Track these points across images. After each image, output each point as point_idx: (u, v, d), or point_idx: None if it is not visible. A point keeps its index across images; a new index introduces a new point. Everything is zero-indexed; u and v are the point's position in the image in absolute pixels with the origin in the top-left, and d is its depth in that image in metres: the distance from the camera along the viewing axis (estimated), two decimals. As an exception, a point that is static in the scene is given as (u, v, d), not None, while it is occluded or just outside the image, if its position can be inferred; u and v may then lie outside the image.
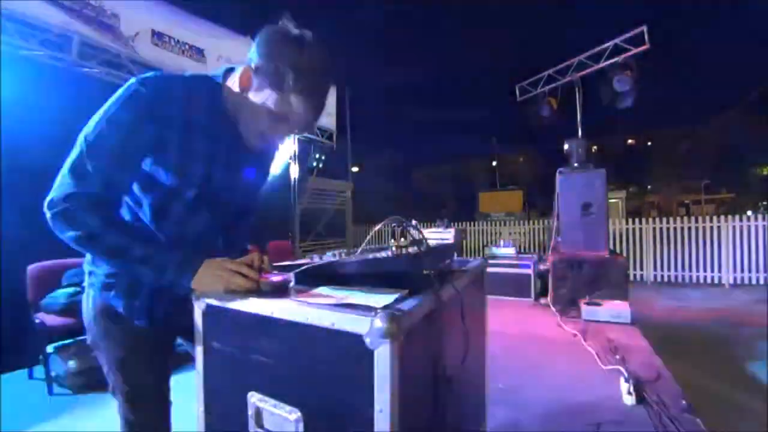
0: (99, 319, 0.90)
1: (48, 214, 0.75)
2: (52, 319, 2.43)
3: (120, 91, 0.78)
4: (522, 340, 3.05)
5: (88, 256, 0.90)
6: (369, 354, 0.56)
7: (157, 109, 0.78)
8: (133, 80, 0.79)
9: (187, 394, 0.89)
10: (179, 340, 1.02)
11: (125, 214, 0.86)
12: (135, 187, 0.83)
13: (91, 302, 0.91)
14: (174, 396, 0.99)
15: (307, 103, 0.80)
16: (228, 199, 0.95)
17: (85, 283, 0.92)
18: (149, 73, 0.81)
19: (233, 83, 0.85)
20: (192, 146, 0.83)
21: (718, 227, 6.09)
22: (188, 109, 0.82)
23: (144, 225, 0.85)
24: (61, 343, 2.53)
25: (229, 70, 0.89)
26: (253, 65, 0.79)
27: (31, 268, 2.56)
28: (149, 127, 0.78)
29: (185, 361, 1.01)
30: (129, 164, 0.79)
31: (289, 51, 0.77)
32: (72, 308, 2.40)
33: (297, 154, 6.53)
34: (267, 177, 1.08)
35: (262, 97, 0.80)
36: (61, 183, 0.75)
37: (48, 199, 0.75)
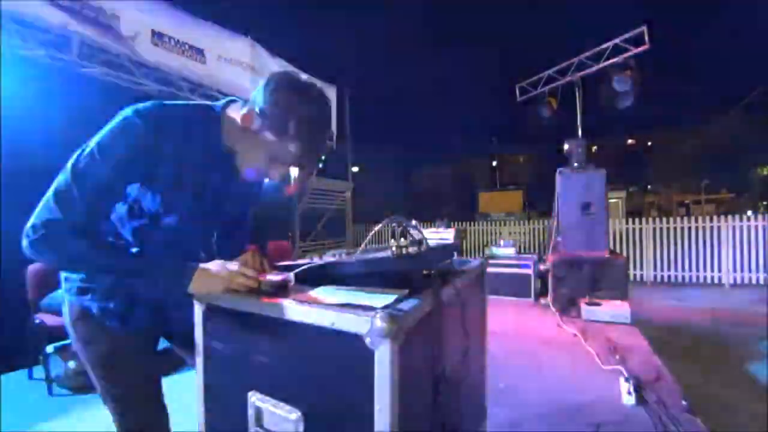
0: (77, 323, 0.90)
1: (26, 241, 0.73)
2: (52, 319, 2.43)
3: (115, 121, 0.77)
4: (522, 340, 3.05)
5: None
6: (369, 354, 0.56)
7: (151, 142, 0.77)
8: (128, 110, 0.78)
9: (187, 394, 0.89)
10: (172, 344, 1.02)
11: (110, 234, 0.85)
12: (122, 210, 0.83)
13: (68, 308, 0.91)
14: (175, 396, 0.99)
15: (304, 151, 0.82)
16: (217, 220, 0.97)
17: (62, 290, 0.92)
18: (146, 104, 0.80)
19: (235, 117, 0.85)
20: (182, 177, 0.83)
21: (718, 227, 6.08)
22: (183, 141, 0.82)
23: (130, 243, 0.85)
24: (61, 343, 2.53)
25: (231, 101, 0.90)
26: (257, 107, 0.80)
27: (31, 268, 2.56)
28: (141, 160, 0.77)
29: (183, 362, 1.01)
30: (116, 194, 0.79)
31: (294, 101, 0.79)
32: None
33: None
34: (258, 196, 1.10)
35: (262, 139, 0.81)
36: (44, 209, 0.73)
37: (29, 224, 0.73)
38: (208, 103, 0.90)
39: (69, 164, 0.75)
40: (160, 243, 0.87)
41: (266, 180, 0.94)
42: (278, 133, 0.79)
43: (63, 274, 0.91)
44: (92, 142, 0.76)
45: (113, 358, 0.90)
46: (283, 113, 0.78)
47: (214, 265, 0.80)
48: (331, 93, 7.14)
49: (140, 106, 0.79)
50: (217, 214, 0.96)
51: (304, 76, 0.83)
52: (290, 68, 4.87)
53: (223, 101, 0.90)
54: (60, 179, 0.75)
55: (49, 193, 0.74)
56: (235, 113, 0.85)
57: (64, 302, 0.92)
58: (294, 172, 0.88)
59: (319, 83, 0.83)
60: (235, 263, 0.81)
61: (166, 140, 0.79)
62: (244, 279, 0.77)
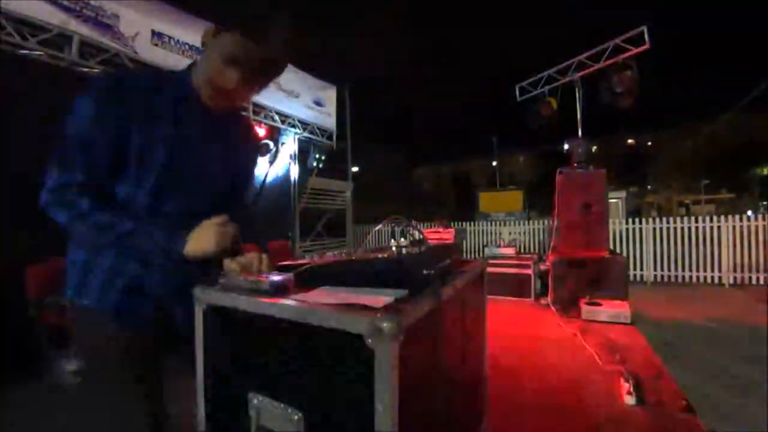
0: (83, 324, 0.90)
1: (42, 202, 0.81)
2: (52, 319, 2.43)
3: (89, 85, 0.83)
4: (522, 340, 3.05)
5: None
6: (369, 354, 0.56)
7: (122, 99, 0.82)
8: (101, 74, 0.83)
9: (186, 395, 0.89)
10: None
11: (112, 201, 0.87)
12: (116, 173, 0.85)
13: (73, 308, 0.90)
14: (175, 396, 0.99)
15: (244, 44, 0.82)
16: (198, 186, 0.95)
17: (67, 290, 0.91)
18: (119, 71, 0.86)
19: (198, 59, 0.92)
20: (158, 134, 0.86)
21: (718, 227, 6.08)
22: (155, 98, 0.85)
23: (130, 207, 0.87)
24: (61, 342, 2.53)
25: (194, 64, 0.94)
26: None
27: (31, 268, 2.56)
28: (114, 117, 0.81)
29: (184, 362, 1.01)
30: (103, 152, 0.82)
31: (245, 8, 0.84)
32: (72, 308, 2.39)
33: (297, 154, 6.53)
34: (238, 167, 1.07)
35: (220, 42, 0.84)
36: (50, 175, 0.81)
37: (42, 190, 0.81)
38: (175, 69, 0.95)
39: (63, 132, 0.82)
40: (147, 209, 0.88)
41: (256, 146, 1.01)
42: (219, 29, 0.84)
43: (68, 271, 0.90)
44: (73, 108, 0.82)
45: (119, 357, 0.89)
46: (236, 17, 0.83)
47: (203, 230, 0.82)
48: (331, 93, 7.15)
49: (113, 73, 0.87)
50: (201, 178, 0.95)
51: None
52: (290, 67, 4.87)
53: (187, 66, 0.95)
54: (59, 146, 0.82)
55: (52, 160, 0.82)
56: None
57: (69, 302, 0.91)
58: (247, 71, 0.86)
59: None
60: (217, 223, 0.83)
61: (136, 97, 0.83)
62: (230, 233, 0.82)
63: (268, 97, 5.56)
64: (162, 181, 0.87)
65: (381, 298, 0.66)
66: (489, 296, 1.35)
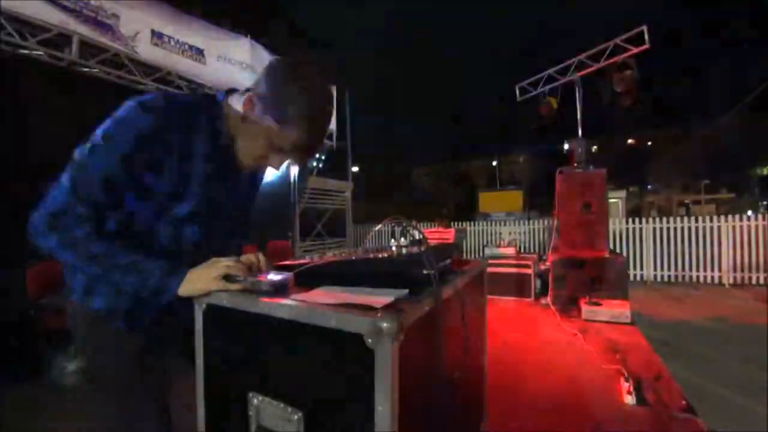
0: (83, 325, 0.89)
1: (31, 227, 0.75)
2: (52, 319, 2.43)
3: (119, 113, 0.78)
4: (522, 339, 3.05)
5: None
6: (369, 354, 0.56)
7: (156, 136, 0.78)
8: (132, 102, 0.78)
9: (186, 394, 0.89)
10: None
11: (114, 225, 0.85)
12: (127, 202, 0.83)
13: (74, 309, 0.90)
14: (174, 396, 0.99)
15: (303, 139, 0.82)
16: (219, 216, 0.96)
17: (67, 291, 0.91)
18: (149, 96, 0.80)
19: (236, 105, 0.86)
20: (187, 169, 0.84)
21: (718, 227, 6.08)
22: (187, 134, 0.82)
23: (131, 237, 0.85)
24: (60, 343, 2.53)
25: (232, 91, 0.90)
26: (257, 92, 0.80)
27: (31, 268, 2.56)
28: (146, 152, 0.78)
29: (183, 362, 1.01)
30: (121, 186, 0.79)
31: (293, 86, 0.78)
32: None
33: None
34: (256, 193, 1.10)
35: (262, 125, 0.81)
36: (53, 199, 0.75)
37: (36, 213, 0.75)
38: (210, 92, 0.91)
39: (75, 156, 0.77)
40: (165, 237, 0.87)
41: (266, 168, 0.95)
42: (278, 119, 0.79)
43: (68, 273, 0.90)
44: (97, 134, 0.77)
45: (123, 361, 0.89)
46: (283, 100, 0.78)
47: (203, 267, 0.80)
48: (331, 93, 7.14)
49: (144, 98, 0.79)
50: (220, 208, 0.95)
51: (306, 61, 0.82)
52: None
53: (224, 90, 0.91)
54: (67, 171, 0.77)
55: (58, 184, 0.76)
56: (236, 101, 0.87)
57: (70, 304, 0.90)
58: (294, 158, 0.87)
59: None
60: (223, 266, 0.80)
61: (170, 133, 0.80)
62: (229, 284, 0.77)
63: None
64: (187, 212, 0.87)
65: (381, 298, 0.66)
66: (489, 296, 1.35)
